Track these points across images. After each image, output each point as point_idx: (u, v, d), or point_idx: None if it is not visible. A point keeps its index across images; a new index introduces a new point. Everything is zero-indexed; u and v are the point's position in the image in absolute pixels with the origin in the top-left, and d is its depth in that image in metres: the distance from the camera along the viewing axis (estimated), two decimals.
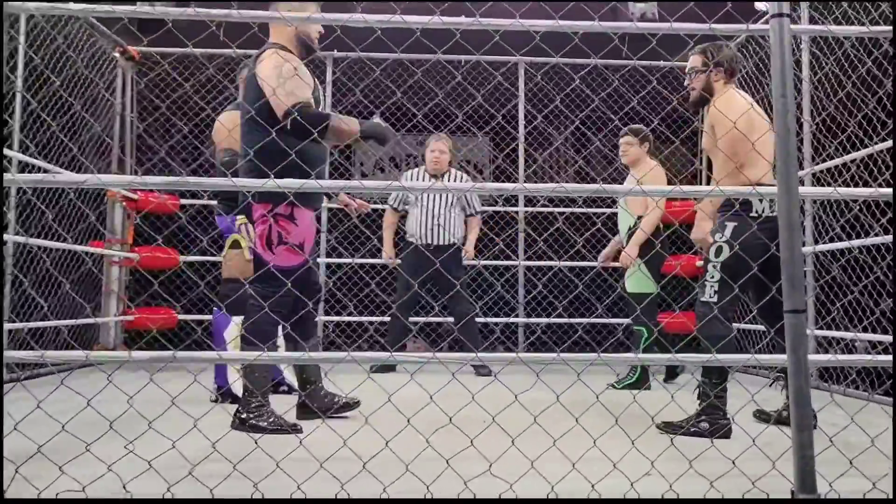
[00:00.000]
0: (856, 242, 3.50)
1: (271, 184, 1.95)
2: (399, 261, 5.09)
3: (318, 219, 3.52)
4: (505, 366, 1.90)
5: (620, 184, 4.28)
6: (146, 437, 2.05)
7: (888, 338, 3.66)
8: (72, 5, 2.10)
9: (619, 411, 2.18)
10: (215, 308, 3.66)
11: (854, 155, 3.94)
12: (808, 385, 1.62)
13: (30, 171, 4.30)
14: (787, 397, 2.98)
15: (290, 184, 2.03)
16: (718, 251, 2.84)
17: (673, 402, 2.41)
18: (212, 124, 3.68)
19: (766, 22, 1.77)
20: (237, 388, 3.35)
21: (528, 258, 6.13)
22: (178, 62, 5.63)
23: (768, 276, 2.61)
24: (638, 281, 4.19)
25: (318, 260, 4.32)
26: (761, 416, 3.10)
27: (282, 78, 2.59)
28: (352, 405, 3.08)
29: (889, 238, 3.50)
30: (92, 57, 5.19)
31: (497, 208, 6.23)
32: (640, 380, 4.16)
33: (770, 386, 3.22)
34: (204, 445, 2.01)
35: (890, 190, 2.03)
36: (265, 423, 2.72)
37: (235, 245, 3.49)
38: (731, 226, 2.83)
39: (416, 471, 1.91)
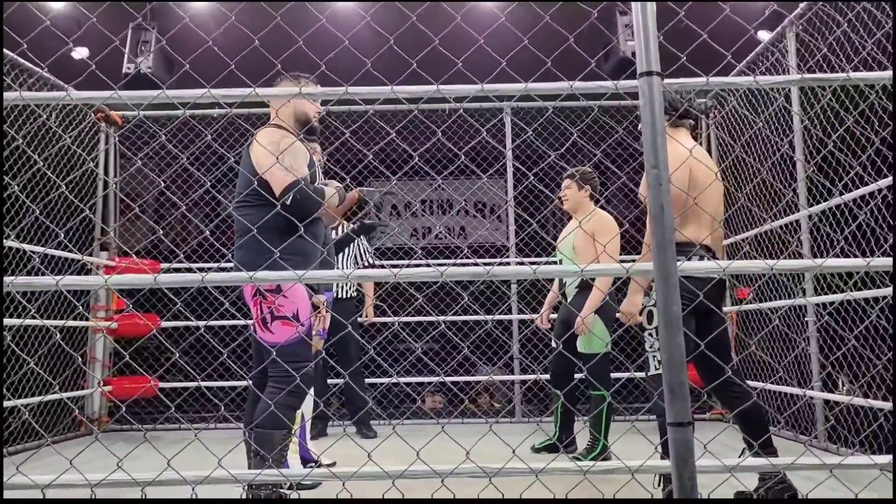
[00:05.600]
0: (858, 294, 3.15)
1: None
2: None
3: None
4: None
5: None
6: None
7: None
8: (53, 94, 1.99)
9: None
10: None
11: (854, 193, 3.57)
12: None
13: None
14: (759, 478, 2.66)
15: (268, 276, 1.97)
16: (650, 317, 2.56)
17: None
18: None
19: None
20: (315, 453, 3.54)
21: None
22: (161, 126, 5.61)
23: (701, 331, 2.48)
24: (590, 340, 3.70)
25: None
26: (740, 497, 2.76)
27: (277, 154, 2.48)
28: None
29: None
30: (70, 121, 5.17)
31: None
32: (604, 447, 3.66)
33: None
34: None
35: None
36: None
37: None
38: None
39: None
